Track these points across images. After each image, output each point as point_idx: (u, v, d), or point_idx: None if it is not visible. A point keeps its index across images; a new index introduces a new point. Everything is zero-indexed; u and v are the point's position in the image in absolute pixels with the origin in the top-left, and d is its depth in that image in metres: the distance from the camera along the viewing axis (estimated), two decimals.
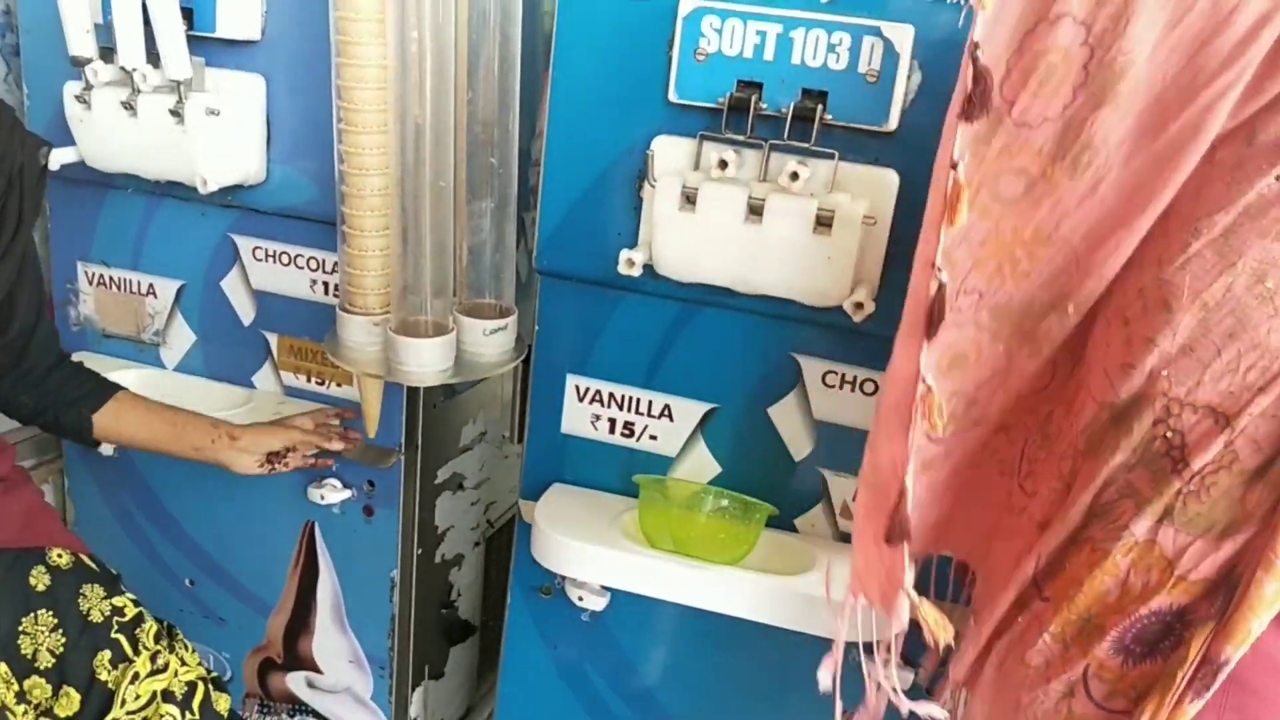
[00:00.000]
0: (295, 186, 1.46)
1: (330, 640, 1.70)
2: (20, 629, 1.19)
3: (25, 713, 1.17)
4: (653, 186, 1.17)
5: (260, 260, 1.54)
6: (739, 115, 1.14)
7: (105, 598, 1.24)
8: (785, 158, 1.13)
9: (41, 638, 1.19)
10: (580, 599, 1.43)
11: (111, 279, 1.65)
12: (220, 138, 1.39)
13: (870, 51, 1.10)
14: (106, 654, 1.20)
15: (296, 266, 1.53)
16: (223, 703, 1.28)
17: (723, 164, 1.13)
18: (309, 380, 1.58)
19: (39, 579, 1.22)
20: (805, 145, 1.12)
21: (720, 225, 1.14)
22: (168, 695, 1.21)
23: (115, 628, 1.22)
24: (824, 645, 1.24)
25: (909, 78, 1.11)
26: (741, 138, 1.14)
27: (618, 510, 1.34)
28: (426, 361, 1.31)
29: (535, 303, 1.37)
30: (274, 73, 1.42)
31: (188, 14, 1.36)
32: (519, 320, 1.39)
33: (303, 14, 1.36)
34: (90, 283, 1.66)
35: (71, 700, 1.18)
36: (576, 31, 1.22)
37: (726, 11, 1.13)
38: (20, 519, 1.24)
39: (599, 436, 1.39)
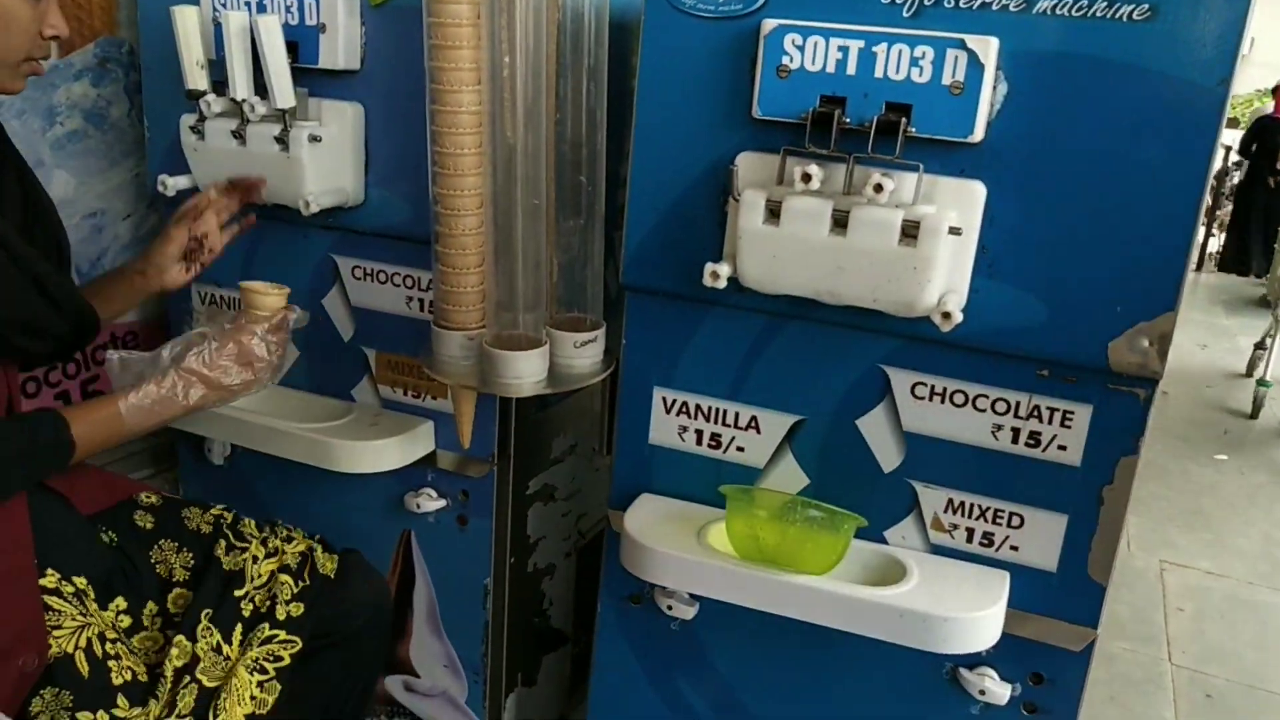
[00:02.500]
0: (392, 208, 1.52)
1: (426, 645, 1.76)
2: (152, 561, 1.36)
3: (152, 625, 1.33)
4: (737, 201, 1.19)
5: (359, 279, 1.61)
6: (822, 129, 1.15)
7: (202, 513, 1.44)
8: (869, 170, 1.14)
9: (172, 559, 1.38)
10: (669, 608, 1.45)
11: (222, 297, 1.73)
12: (322, 163, 1.46)
13: (954, 64, 1.10)
14: (223, 543, 1.40)
15: (393, 284, 1.59)
16: (329, 563, 1.45)
17: (806, 178, 1.15)
18: (405, 393, 1.63)
19: (144, 520, 1.40)
20: (889, 158, 1.13)
21: (805, 238, 1.16)
22: (284, 568, 1.39)
23: (222, 528, 1.42)
24: (914, 656, 1.24)
25: (994, 89, 1.12)
26: (825, 152, 1.15)
27: (705, 520, 1.36)
28: (521, 373, 1.35)
29: (623, 317, 1.40)
30: (372, 101, 1.49)
31: (292, 47, 1.43)
32: (607, 334, 1.43)
33: (399, 45, 1.43)
34: (203, 301, 1.75)
35: (209, 582, 1.35)
36: (660, 52, 1.25)
37: (808, 29, 1.14)
38: (99, 485, 1.40)
39: (686, 448, 1.41)
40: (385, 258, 1.58)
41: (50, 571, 1.23)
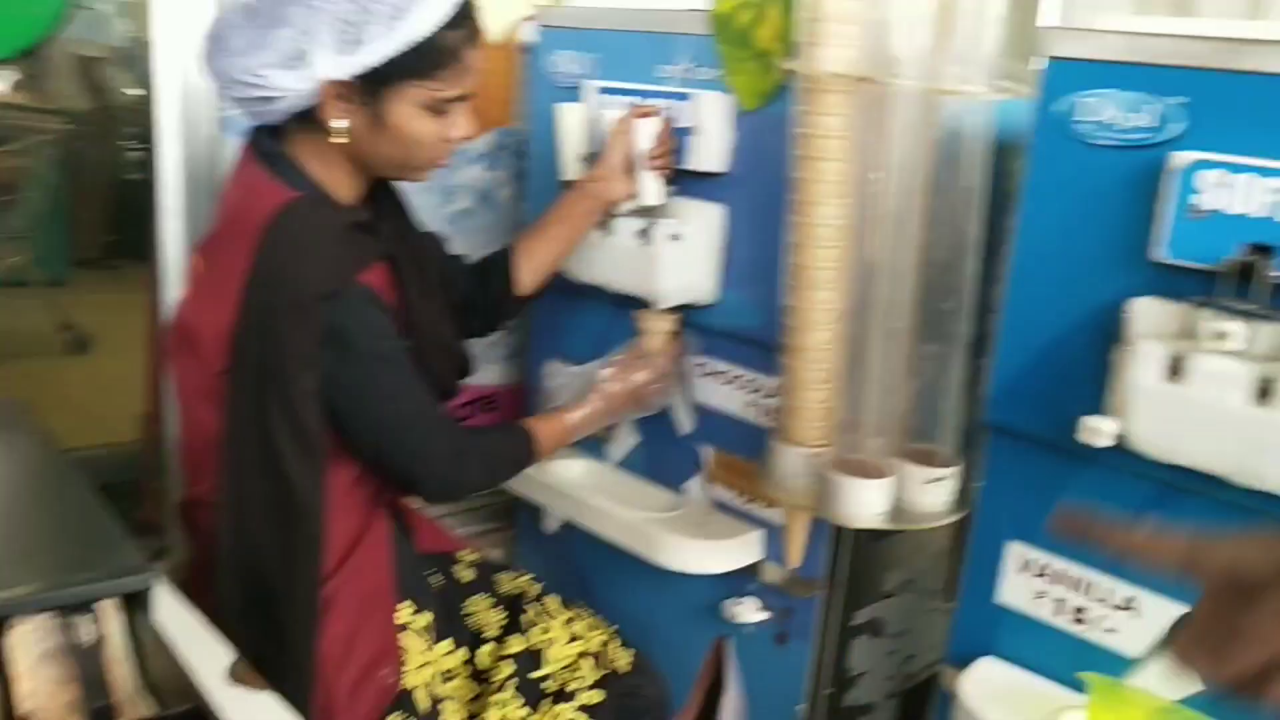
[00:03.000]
0: (744, 310, 1.49)
1: None
2: (467, 613, 1.41)
3: (464, 672, 1.36)
4: (1128, 350, 1.02)
5: (703, 376, 1.59)
6: (1243, 281, 0.96)
7: (514, 578, 1.48)
8: None
9: (484, 615, 1.41)
10: None
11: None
12: (679, 260, 1.46)
13: None
14: (528, 612, 1.42)
15: (737, 386, 1.55)
16: (624, 658, 1.44)
17: (1221, 335, 0.96)
18: (738, 497, 1.58)
19: (462, 573, 1.45)
20: None
21: (1217, 405, 0.96)
22: (584, 654, 1.40)
23: (528, 599, 1.44)
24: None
25: None
26: (1250, 307, 0.96)
27: (1059, 705, 1.18)
28: (863, 503, 1.25)
29: (980, 456, 1.26)
30: (735, 203, 1.46)
31: None
32: (961, 473, 1.28)
33: (768, 151, 1.38)
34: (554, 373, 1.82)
35: (514, 648, 1.37)
36: (1047, 180, 1.11)
37: (1236, 166, 0.96)
38: (433, 531, 1.49)
39: (1041, 615, 1.23)
40: (732, 358, 1.55)
41: (404, 605, 1.31)
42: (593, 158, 1.52)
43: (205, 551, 1.26)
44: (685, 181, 1.48)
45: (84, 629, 0.87)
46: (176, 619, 0.99)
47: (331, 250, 1.17)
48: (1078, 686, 1.16)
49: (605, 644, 1.44)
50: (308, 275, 1.14)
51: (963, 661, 1.29)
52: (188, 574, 1.30)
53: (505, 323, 1.56)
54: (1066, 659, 1.21)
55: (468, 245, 1.87)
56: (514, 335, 1.97)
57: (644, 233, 1.46)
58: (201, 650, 0.97)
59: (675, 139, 1.45)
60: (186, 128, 1.58)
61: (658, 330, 1.53)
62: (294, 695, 1.16)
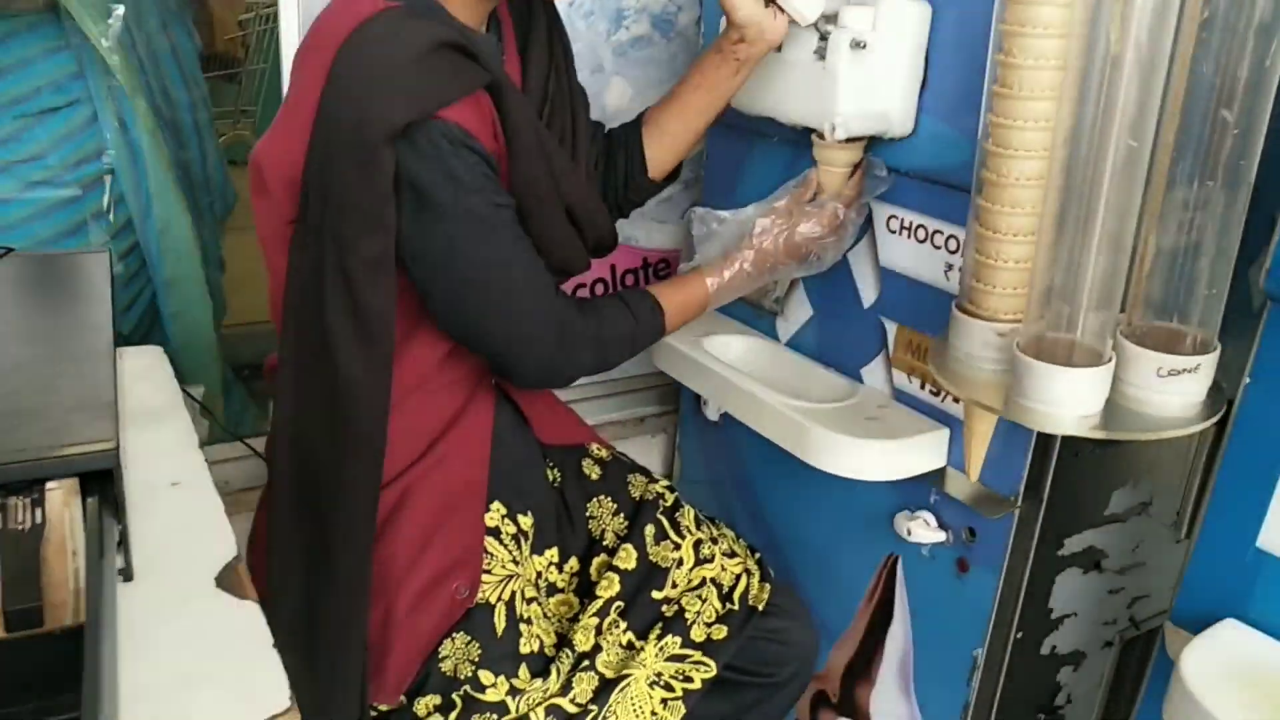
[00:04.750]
0: (948, 145, 1.15)
1: (890, 701, 1.41)
2: (588, 515, 1.23)
3: (569, 584, 1.19)
4: None
5: (893, 232, 1.27)
6: None
7: (648, 484, 1.28)
8: None
9: (607, 519, 1.23)
10: None
11: None
12: (864, 78, 1.14)
13: None
14: (651, 529, 1.21)
15: (933, 245, 1.22)
16: (762, 594, 1.23)
17: None
18: (922, 386, 1.27)
19: (590, 469, 1.27)
20: None
21: None
22: (715, 583, 1.20)
23: (660, 508, 1.24)
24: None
25: None
26: None
27: None
28: (1061, 400, 0.92)
29: (1250, 341, 0.89)
30: (944, 2, 1.12)
31: None
32: (1221, 365, 0.92)
33: None
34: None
35: (627, 563, 1.18)
36: None
37: None
38: (561, 420, 1.29)
39: None
40: (929, 209, 1.22)
41: (496, 506, 1.13)
42: None
43: (273, 424, 1.12)
44: None
45: (22, 512, 0.72)
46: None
47: (408, 76, 0.93)
48: None
49: (742, 574, 1.22)
50: (374, 108, 0.91)
51: (1196, 622, 0.95)
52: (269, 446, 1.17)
53: (630, 209, 1.29)
54: None
55: (641, 80, 1.63)
56: (689, 189, 1.71)
57: (821, 43, 1.16)
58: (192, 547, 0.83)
59: None
60: None
61: (834, 165, 1.22)
62: (340, 611, 1.02)
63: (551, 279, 1.06)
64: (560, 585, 1.18)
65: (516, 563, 1.12)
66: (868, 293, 1.33)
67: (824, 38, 1.15)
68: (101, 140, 1.44)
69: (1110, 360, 0.92)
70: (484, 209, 0.97)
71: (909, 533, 1.30)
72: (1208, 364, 0.91)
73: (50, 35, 1.40)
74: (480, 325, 1.02)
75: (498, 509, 1.13)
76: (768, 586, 1.23)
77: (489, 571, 1.10)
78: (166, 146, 1.51)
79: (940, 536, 1.28)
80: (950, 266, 1.20)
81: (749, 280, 1.21)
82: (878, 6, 1.14)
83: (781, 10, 1.13)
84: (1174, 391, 0.92)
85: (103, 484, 0.76)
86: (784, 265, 1.22)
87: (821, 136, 1.19)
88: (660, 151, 1.24)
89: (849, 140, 1.18)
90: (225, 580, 0.82)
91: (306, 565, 1.03)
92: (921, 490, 1.30)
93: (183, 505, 0.92)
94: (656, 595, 1.16)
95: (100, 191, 1.48)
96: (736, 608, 1.19)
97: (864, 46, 1.13)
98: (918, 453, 1.24)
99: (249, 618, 0.79)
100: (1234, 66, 0.83)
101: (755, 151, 1.46)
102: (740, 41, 1.15)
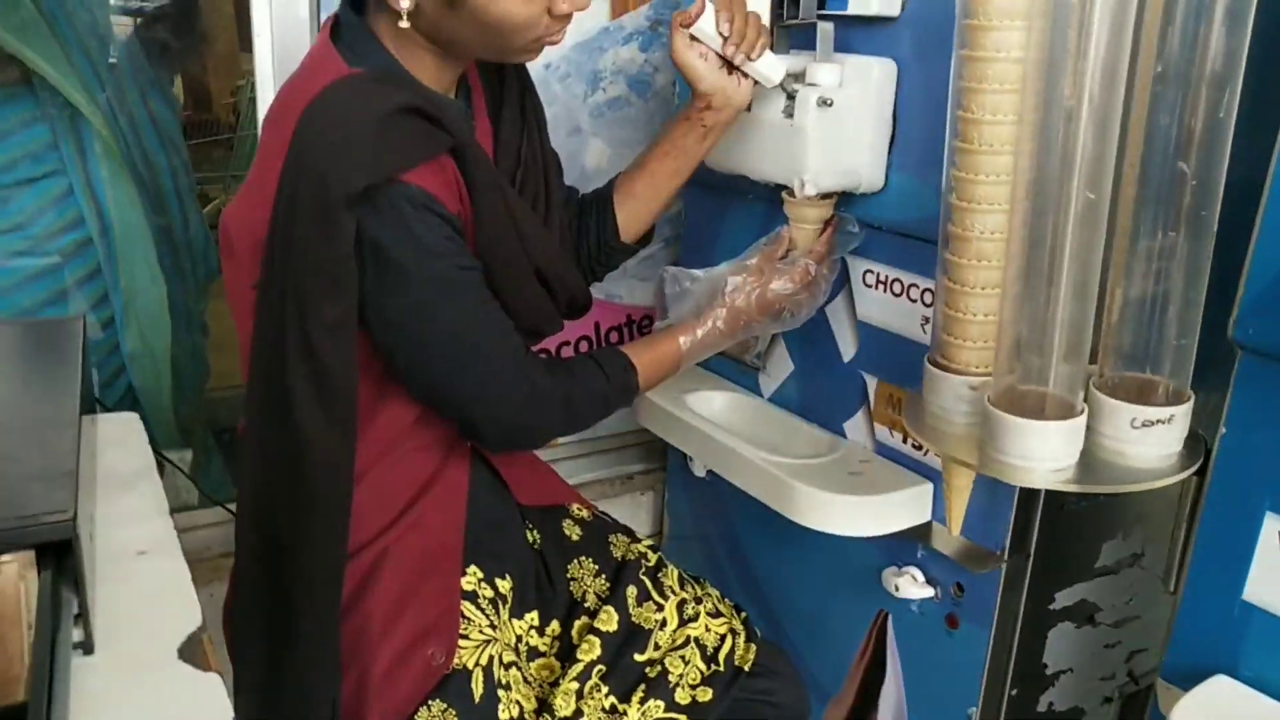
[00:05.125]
0: (918, 199, 1.16)
1: None
2: (568, 577, 1.20)
3: (550, 648, 1.17)
4: None
5: (869, 286, 1.27)
6: None
7: (630, 544, 1.25)
8: None
9: (588, 581, 1.20)
10: None
11: None
12: (833, 133, 1.15)
13: None
14: (634, 590, 1.19)
15: (909, 299, 1.22)
16: (748, 654, 1.20)
17: None
18: (905, 440, 1.26)
19: (571, 530, 1.24)
20: None
21: None
22: (698, 643, 1.18)
23: (642, 569, 1.21)
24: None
25: None
26: None
27: None
28: (1036, 453, 0.91)
29: (1223, 390, 0.88)
30: (909, 58, 1.14)
31: None
32: (1195, 414, 0.92)
33: None
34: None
35: (609, 625, 1.16)
36: None
37: None
38: (539, 479, 1.26)
39: None
40: (904, 263, 1.22)
41: (473, 570, 1.11)
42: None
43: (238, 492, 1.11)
44: (843, 30, 1.16)
45: None
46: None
47: (367, 140, 0.92)
48: None
49: (727, 634, 1.20)
50: (334, 171, 0.90)
51: (1186, 678, 0.93)
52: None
53: (603, 272, 1.29)
54: None
55: (617, 140, 1.64)
56: (670, 247, 1.72)
57: (789, 102, 1.17)
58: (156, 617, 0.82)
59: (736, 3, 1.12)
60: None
61: (805, 222, 1.22)
62: (305, 682, 1.00)
63: (520, 340, 1.05)
64: (541, 649, 1.16)
65: (494, 627, 1.10)
66: (847, 347, 1.33)
67: (791, 96, 1.16)
68: (79, 209, 1.46)
69: (1082, 412, 0.91)
70: (449, 272, 0.97)
71: (897, 589, 1.28)
72: (1181, 414, 0.91)
73: (26, 106, 1.42)
74: (446, 387, 1.01)
75: (474, 572, 1.11)
76: (753, 646, 1.20)
77: (466, 636, 1.08)
78: (146, 213, 1.52)
79: (929, 592, 1.26)
80: (926, 320, 1.20)
81: (722, 338, 1.20)
82: (844, 65, 1.15)
83: (745, 76, 1.14)
84: (1149, 442, 0.91)
85: (60, 555, 0.75)
86: (757, 322, 1.21)
87: (792, 193, 1.19)
88: (631, 216, 1.24)
89: (820, 196, 1.19)
90: (187, 652, 0.81)
91: (270, 633, 1.01)
92: (908, 546, 1.29)
93: (149, 574, 0.90)
94: (639, 657, 1.13)
95: (81, 260, 1.49)
96: (722, 668, 1.16)
97: (831, 104, 1.14)
98: (902, 508, 1.23)
99: (210, 691, 0.77)
100: (1189, 118, 0.83)
101: (731, 209, 1.47)
102: (707, 109, 1.16)
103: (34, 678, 0.66)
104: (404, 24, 0.95)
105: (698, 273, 1.25)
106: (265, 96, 1.36)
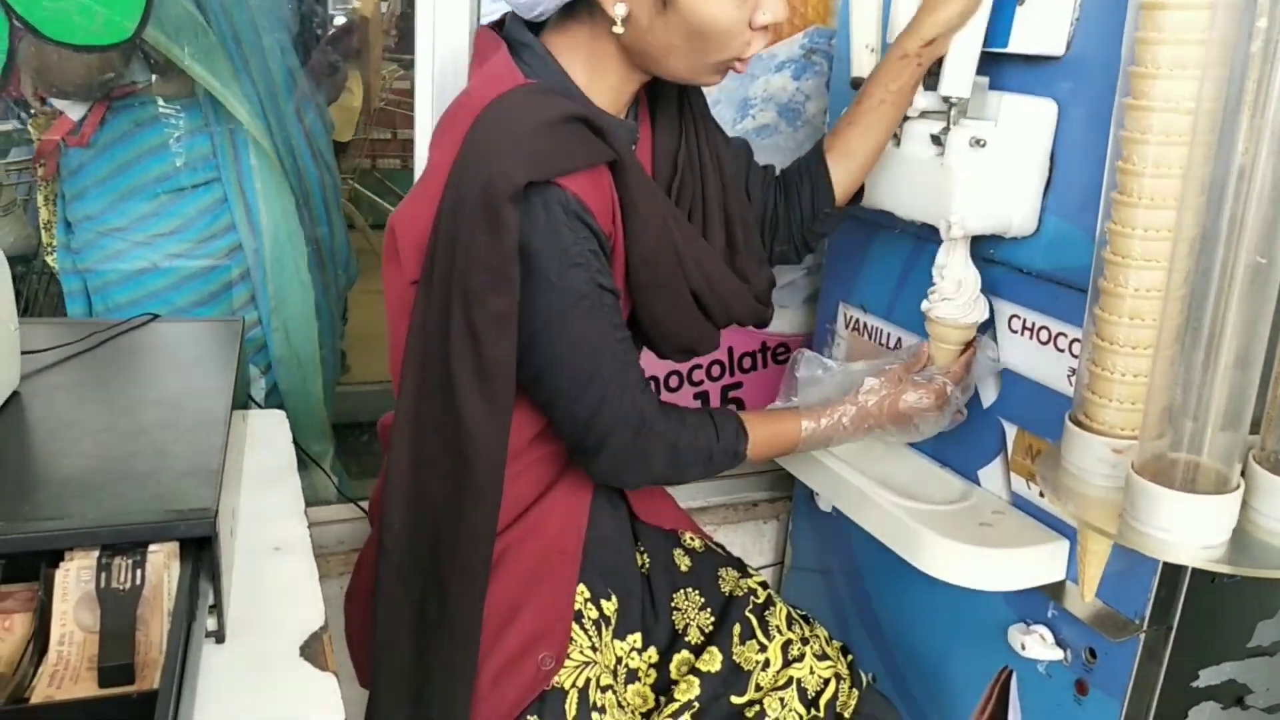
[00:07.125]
0: (1073, 246, 1.11)
1: None
2: (673, 607, 1.19)
3: (647, 676, 1.16)
4: None
5: (1015, 332, 1.22)
6: None
7: (739, 579, 1.23)
8: None
9: (692, 614, 1.19)
10: None
11: (865, 325, 1.49)
12: (984, 175, 1.11)
13: None
14: (738, 627, 1.17)
15: (1056, 348, 1.17)
16: (850, 700, 1.18)
17: None
18: (1041, 494, 1.21)
19: (681, 560, 1.22)
20: None
21: None
22: (799, 685, 1.15)
23: (749, 605, 1.19)
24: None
25: None
26: None
27: None
28: (1182, 527, 0.86)
29: None
30: (1071, 99, 1.09)
31: None
32: None
33: (1123, 24, 1.00)
34: (846, 326, 1.53)
35: (711, 665, 1.14)
36: None
37: None
38: (657, 502, 1.26)
39: None
40: (1053, 311, 1.17)
41: (581, 589, 1.12)
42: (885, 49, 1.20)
43: (386, 480, 1.15)
44: (1002, 68, 1.12)
45: (124, 573, 0.76)
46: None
47: (535, 140, 0.95)
48: None
49: (831, 679, 1.17)
50: (500, 167, 0.93)
51: None
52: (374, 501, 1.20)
53: (815, 242, 1.27)
54: None
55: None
56: (812, 275, 1.70)
57: (938, 139, 1.14)
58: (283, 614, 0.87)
59: None
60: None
61: (946, 341, 1.22)
62: (452, 660, 1.03)
63: (641, 373, 1.06)
64: (640, 673, 1.16)
65: (595, 649, 1.10)
66: (988, 393, 1.28)
67: (938, 137, 1.13)
68: (231, 216, 1.56)
69: (1238, 487, 0.85)
70: (585, 285, 0.98)
71: (1024, 647, 1.22)
72: None
73: (193, 119, 1.52)
74: (563, 406, 1.03)
75: (581, 591, 1.11)
76: (856, 692, 1.17)
77: (568, 656, 1.09)
78: (300, 222, 1.61)
79: (1058, 654, 1.20)
80: (1073, 371, 1.15)
81: (843, 434, 1.18)
82: (1000, 104, 1.11)
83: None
84: None
85: (201, 549, 0.80)
86: (882, 429, 1.20)
87: (934, 317, 1.20)
88: (845, 175, 1.21)
89: (963, 323, 1.19)
90: (309, 650, 0.85)
91: (418, 617, 1.04)
92: (1039, 603, 1.23)
93: (281, 570, 0.95)
94: (736, 700, 1.12)
95: (232, 265, 1.58)
96: (822, 714, 1.14)
97: (984, 145, 1.10)
98: (1033, 564, 1.17)
99: (325, 691, 0.80)
100: None
101: (877, 241, 1.44)
102: (930, 45, 1.11)
103: (168, 661, 0.70)
104: (618, 29, 0.97)
105: (833, 364, 1.25)
106: (423, 109, 1.42)
